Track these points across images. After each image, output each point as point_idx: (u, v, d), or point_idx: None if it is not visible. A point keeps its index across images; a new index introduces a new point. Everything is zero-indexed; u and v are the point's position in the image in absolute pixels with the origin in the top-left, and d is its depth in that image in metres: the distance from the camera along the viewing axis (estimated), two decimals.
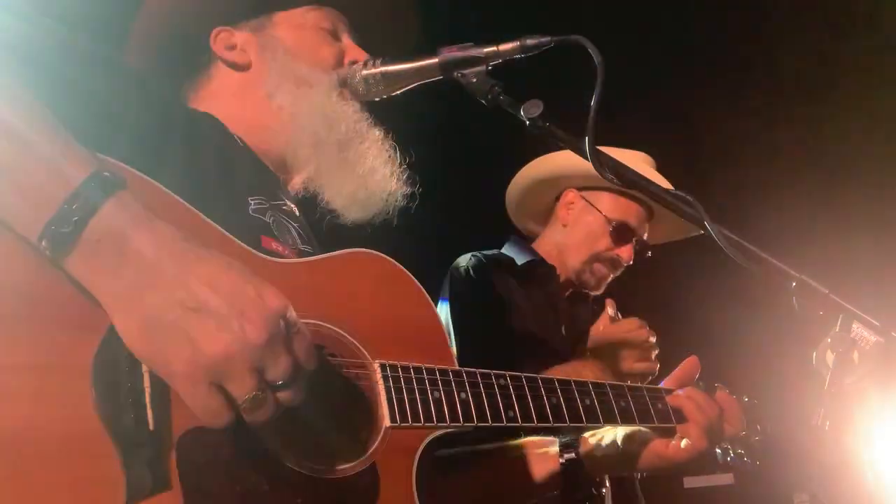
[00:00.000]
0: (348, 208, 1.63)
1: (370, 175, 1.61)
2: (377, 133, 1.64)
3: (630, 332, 2.43)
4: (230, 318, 0.93)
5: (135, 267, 0.93)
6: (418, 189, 1.69)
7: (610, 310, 2.54)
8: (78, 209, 0.92)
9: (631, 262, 2.72)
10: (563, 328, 2.74)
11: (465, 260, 2.60)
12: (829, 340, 1.25)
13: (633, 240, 2.71)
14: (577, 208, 2.78)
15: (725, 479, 4.60)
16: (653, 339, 2.44)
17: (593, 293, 2.80)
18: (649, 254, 2.81)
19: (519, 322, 2.56)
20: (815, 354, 1.28)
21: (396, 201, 1.65)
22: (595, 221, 2.73)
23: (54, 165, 0.94)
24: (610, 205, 2.74)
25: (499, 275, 2.64)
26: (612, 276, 2.75)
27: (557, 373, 2.31)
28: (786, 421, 1.80)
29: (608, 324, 2.50)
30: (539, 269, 2.76)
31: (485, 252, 2.72)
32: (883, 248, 4.61)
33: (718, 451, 1.76)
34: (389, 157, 1.65)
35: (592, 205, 2.75)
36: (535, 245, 2.87)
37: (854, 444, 1.50)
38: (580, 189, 2.79)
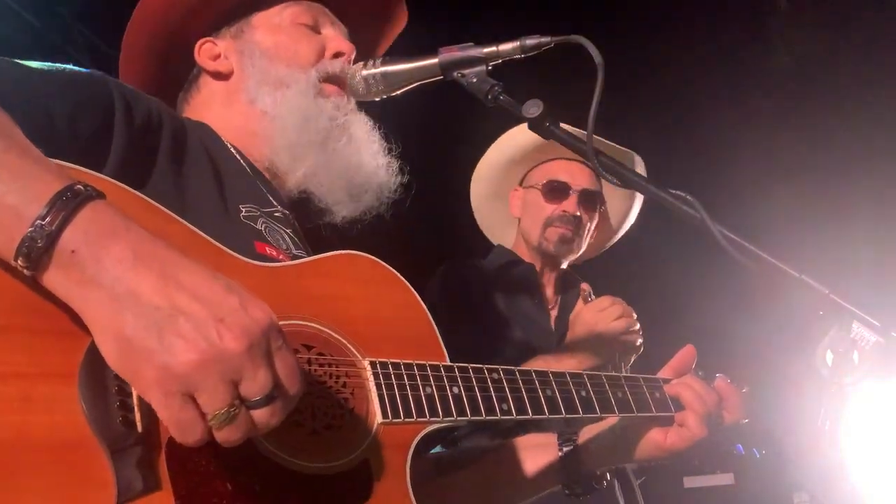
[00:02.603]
0: (338, 205, 1.62)
1: (357, 169, 1.61)
2: (361, 126, 1.63)
3: (603, 310, 2.44)
4: (208, 325, 0.89)
5: (113, 276, 0.89)
6: (406, 176, 1.68)
7: (583, 293, 2.59)
8: (50, 223, 0.89)
9: (579, 213, 2.74)
10: (552, 323, 2.76)
11: (438, 273, 2.63)
12: (828, 340, 1.25)
13: (571, 192, 2.75)
14: (520, 198, 2.89)
15: (725, 479, 4.60)
16: (628, 314, 2.45)
17: (568, 259, 2.82)
18: (604, 204, 2.85)
19: (498, 328, 2.58)
20: (814, 354, 1.28)
21: (389, 192, 1.65)
22: (533, 196, 2.83)
23: (24, 183, 0.91)
24: (539, 175, 2.85)
25: (471, 285, 2.69)
26: (571, 233, 2.75)
27: (534, 366, 2.32)
28: (785, 420, 1.80)
29: (582, 306, 2.52)
30: (515, 270, 2.81)
31: (457, 262, 2.79)
32: (883, 248, 4.61)
33: (722, 440, 1.75)
34: (377, 148, 1.64)
35: (528, 186, 2.86)
36: (513, 248, 2.94)
37: (853, 444, 1.50)
38: (519, 184, 2.91)
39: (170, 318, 0.88)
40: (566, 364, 2.37)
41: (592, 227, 2.84)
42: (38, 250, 0.89)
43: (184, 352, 0.87)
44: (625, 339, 2.43)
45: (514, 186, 2.93)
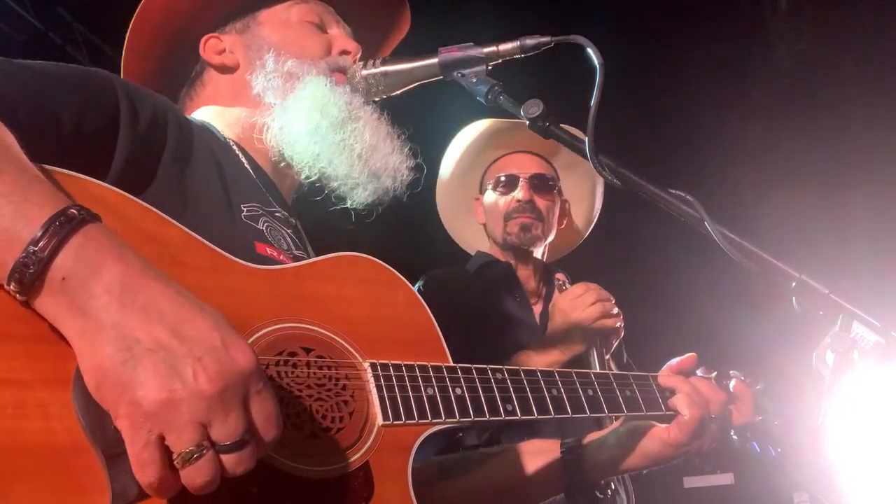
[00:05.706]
0: (355, 191, 1.61)
1: (371, 154, 1.60)
2: (371, 111, 1.63)
3: (577, 297, 2.41)
4: (184, 363, 0.88)
5: (100, 305, 0.89)
6: (420, 157, 1.68)
7: (558, 283, 2.58)
8: (42, 248, 0.89)
9: (532, 198, 2.72)
10: (536, 318, 2.74)
11: (418, 286, 2.62)
12: (828, 340, 1.25)
13: (521, 180, 2.75)
14: (481, 204, 2.92)
15: (725, 479, 4.60)
16: (604, 299, 2.39)
17: (537, 247, 2.79)
18: (558, 185, 2.82)
19: (482, 330, 2.55)
20: (814, 354, 1.28)
21: (403, 176, 1.64)
22: (489, 197, 2.84)
23: (17, 207, 0.91)
24: (490, 176, 2.87)
25: (450, 293, 2.66)
26: (530, 220, 2.72)
27: (519, 361, 2.31)
28: (786, 420, 1.79)
29: (558, 295, 2.50)
30: (493, 270, 2.80)
31: (437, 272, 2.77)
32: (883, 248, 4.61)
33: (735, 438, 1.71)
34: (388, 132, 1.64)
35: (485, 190, 2.88)
36: (489, 251, 2.94)
37: (853, 443, 1.50)
38: (479, 192, 2.94)
39: (147, 352, 0.87)
40: (550, 355, 2.35)
41: (556, 211, 2.82)
42: (30, 276, 0.90)
43: (154, 390, 0.86)
44: (602, 324, 2.39)
45: (476, 195, 2.94)
